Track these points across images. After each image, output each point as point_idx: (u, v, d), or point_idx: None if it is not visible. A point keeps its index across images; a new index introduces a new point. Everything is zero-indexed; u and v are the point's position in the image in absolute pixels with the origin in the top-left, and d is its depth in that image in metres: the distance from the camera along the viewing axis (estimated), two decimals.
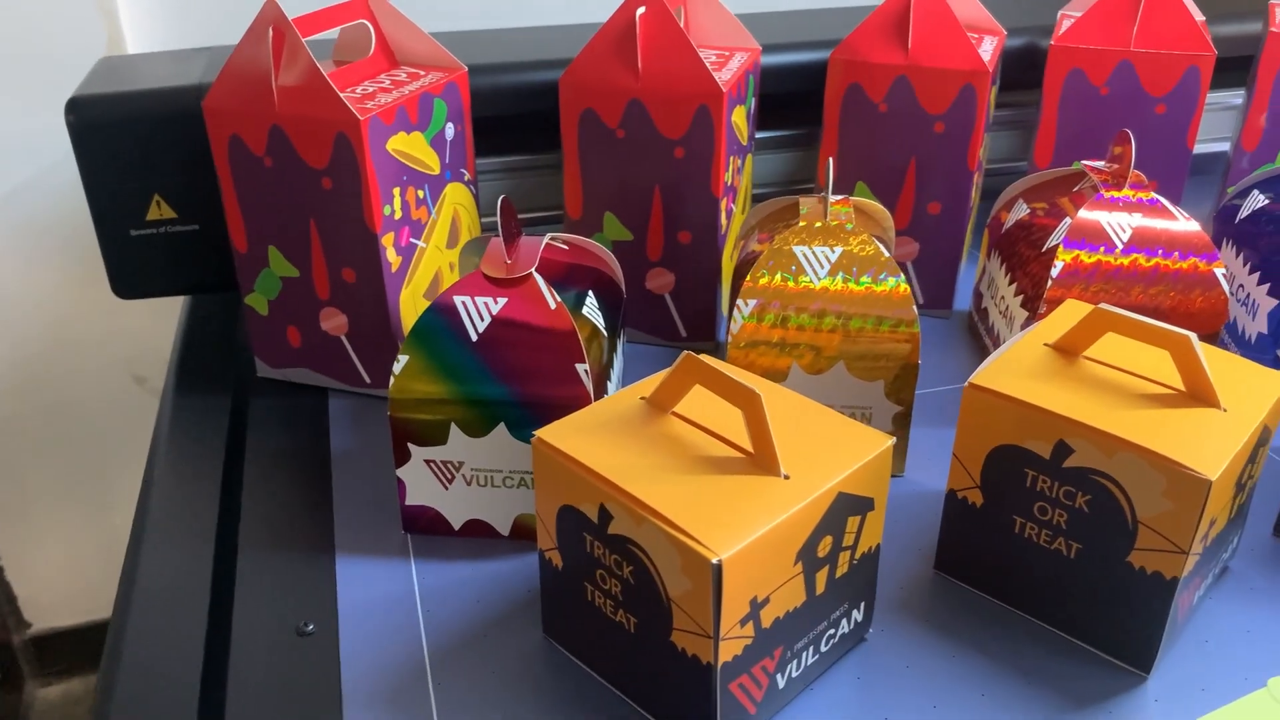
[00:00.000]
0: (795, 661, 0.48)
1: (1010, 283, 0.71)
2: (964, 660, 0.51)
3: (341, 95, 0.63)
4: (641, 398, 0.50)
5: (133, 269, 0.80)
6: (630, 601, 0.46)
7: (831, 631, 0.49)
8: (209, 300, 0.88)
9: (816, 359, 0.61)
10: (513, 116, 0.83)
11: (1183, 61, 0.79)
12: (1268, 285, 0.71)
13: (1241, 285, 0.75)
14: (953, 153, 0.77)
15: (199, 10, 1.12)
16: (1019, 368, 0.52)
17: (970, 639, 0.52)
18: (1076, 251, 0.65)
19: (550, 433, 0.47)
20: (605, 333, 0.61)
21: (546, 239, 0.62)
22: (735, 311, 0.61)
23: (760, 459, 0.45)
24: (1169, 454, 0.45)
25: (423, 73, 0.73)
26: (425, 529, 0.59)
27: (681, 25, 0.78)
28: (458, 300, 0.56)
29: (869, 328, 0.60)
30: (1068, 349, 0.53)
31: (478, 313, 0.56)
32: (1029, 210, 0.73)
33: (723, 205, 0.74)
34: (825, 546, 0.46)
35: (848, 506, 0.46)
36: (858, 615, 0.51)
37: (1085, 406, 0.48)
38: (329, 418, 0.71)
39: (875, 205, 0.71)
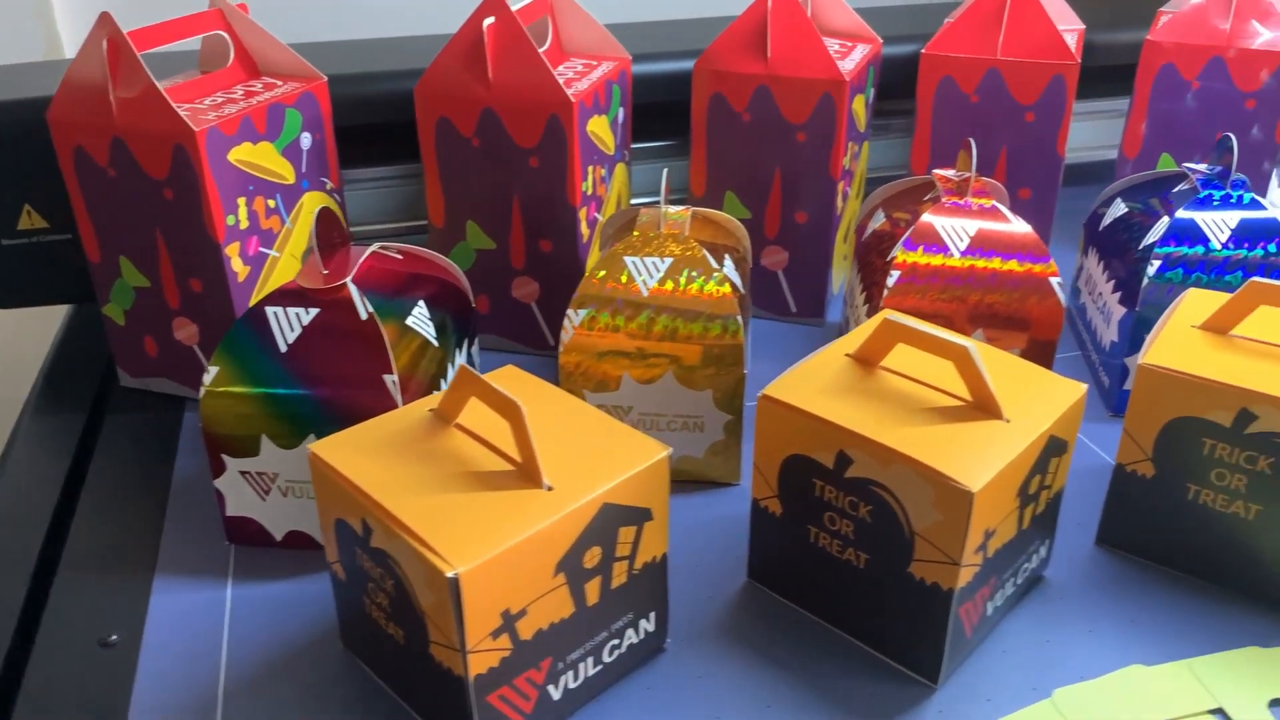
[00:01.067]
0: (571, 673, 0.48)
1: (862, 292, 0.71)
2: (760, 671, 0.51)
3: (177, 107, 0.63)
4: (430, 410, 0.50)
5: (5, 279, 0.80)
6: (396, 614, 0.46)
7: (615, 642, 0.49)
8: (88, 310, 0.88)
9: (646, 368, 0.62)
10: (382, 125, 0.84)
11: (1047, 70, 0.79)
12: (1119, 293, 0.71)
13: (1100, 293, 0.75)
14: (816, 162, 0.78)
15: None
16: (814, 378, 0.52)
17: (770, 651, 0.52)
18: (914, 257, 0.65)
19: (324, 446, 0.47)
20: (437, 343, 0.61)
21: (373, 248, 0.62)
22: (566, 321, 0.62)
23: (525, 470, 0.45)
24: (936, 465, 0.45)
25: (280, 83, 0.73)
26: (248, 540, 0.60)
27: (549, 35, 0.79)
28: (269, 311, 0.56)
29: (696, 333, 0.60)
30: (865, 359, 0.53)
31: (288, 323, 0.56)
32: (885, 219, 0.73)
33: (583, 214, 0.74)
34: (593, 557, 0.46)
35: (617, 517, 0.46)
36: (648, 625, 0.51)
37: (865, 418, 0.49)
38: (181, 429, 0.71)
39: (725, 216, 0.71)
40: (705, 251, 0.63)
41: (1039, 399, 0.50)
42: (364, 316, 0.56)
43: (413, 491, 0.44)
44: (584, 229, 0.75)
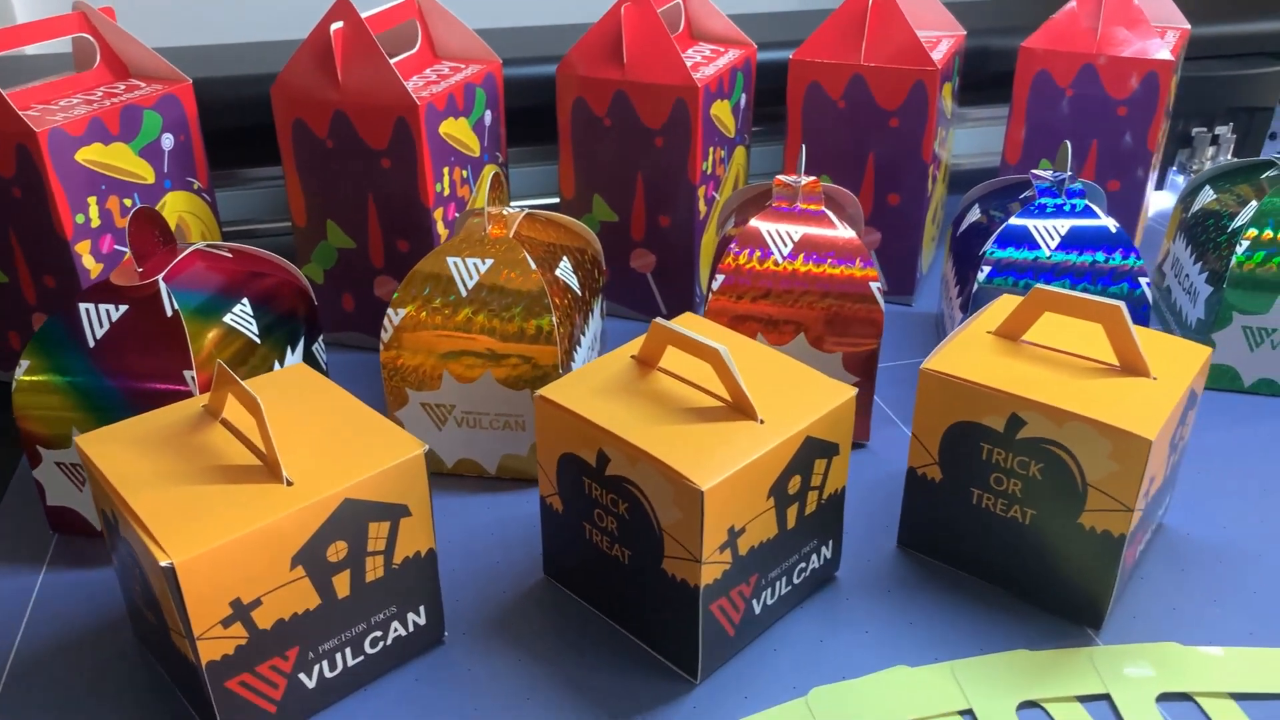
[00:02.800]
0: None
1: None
2: (530, 665, 0.52)
3: (17, 110, 0.65)
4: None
5: None
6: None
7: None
8: None
9: (465, 368, 0.63)
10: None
11: (909, 76, 0.80)
12: (961, 299, 0.72)
13: (952, 299, 0.75)
14: (676, 167, 0.79)
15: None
16: (592, 379, 0.53)
17: (547, 645, 0.53)
18: (739, 260, 0.66)
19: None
20: (260, 341, 0.62)
21: (194, 247, 0.63)
22: (386, 320, 0.63)
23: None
24: (672, 463, 0.46)
25: (144, 85, 0.75)
26: (71, 530, 0.61)
27: (419, 40, 0.81)
28: (82, 307, 0.58)
29: (513, 333, 0.61)
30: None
31: (98, 319, 0.58)
32: (733, 224, 0.74)
33: (438, 215, 0.76)
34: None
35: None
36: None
37: (624, 417, 0.50)
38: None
39: (569, 220, 0.72)
40: (526, 253, 0.64)
41: (802, 401, 0.51)
42: (169, 314, 0.57)
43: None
44: (441, 230, 0.76)
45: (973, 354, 0.55)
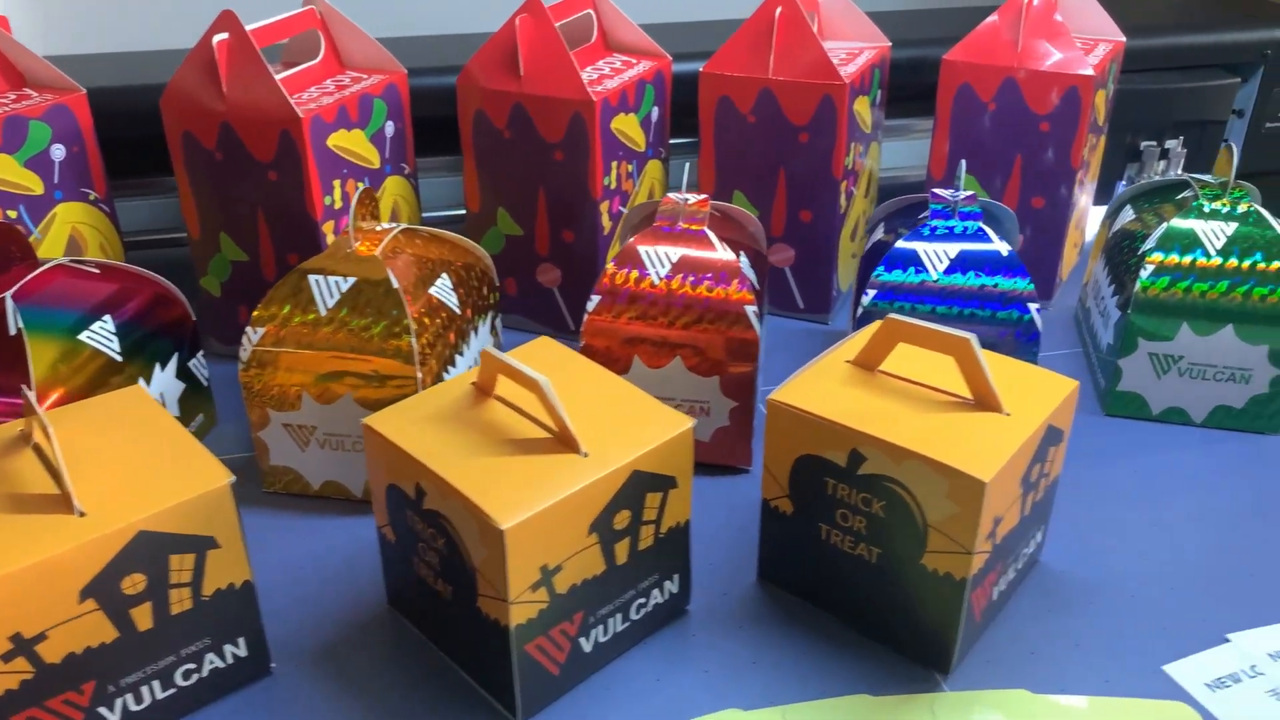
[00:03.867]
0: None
1: None
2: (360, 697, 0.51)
3: None
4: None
5: None
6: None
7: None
8: None
9: (325, 388, 0.61)
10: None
11: (817, 90, 0.78)
12: (856, 321, 0.69)
13: (853, 322, 0.73)
14: (574, 182, 0.77)
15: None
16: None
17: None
18: (615, 279, 0.64)
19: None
20: (122, 358, 0.61)
21: (57, 262, 0.62)
22: (245, 339, 0.62)
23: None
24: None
25: (35, 95, 0.74)
26: None
27: (323, 49, 0.79)
28: None
29: (373, 350, 0.60)
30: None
31: None
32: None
33: (328, 228, 0.75)
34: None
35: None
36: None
37: (442, 449, 0.48)
38: None
39: (456, 237, 0.70)
40: (389, 271, 0.62)
41: (634, 433, 0.50)
42: (13, 332, 0.56)
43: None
44: (328, 239, 0.75)
45: (825, 384, 0.53)
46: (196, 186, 0.75)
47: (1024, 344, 0.64)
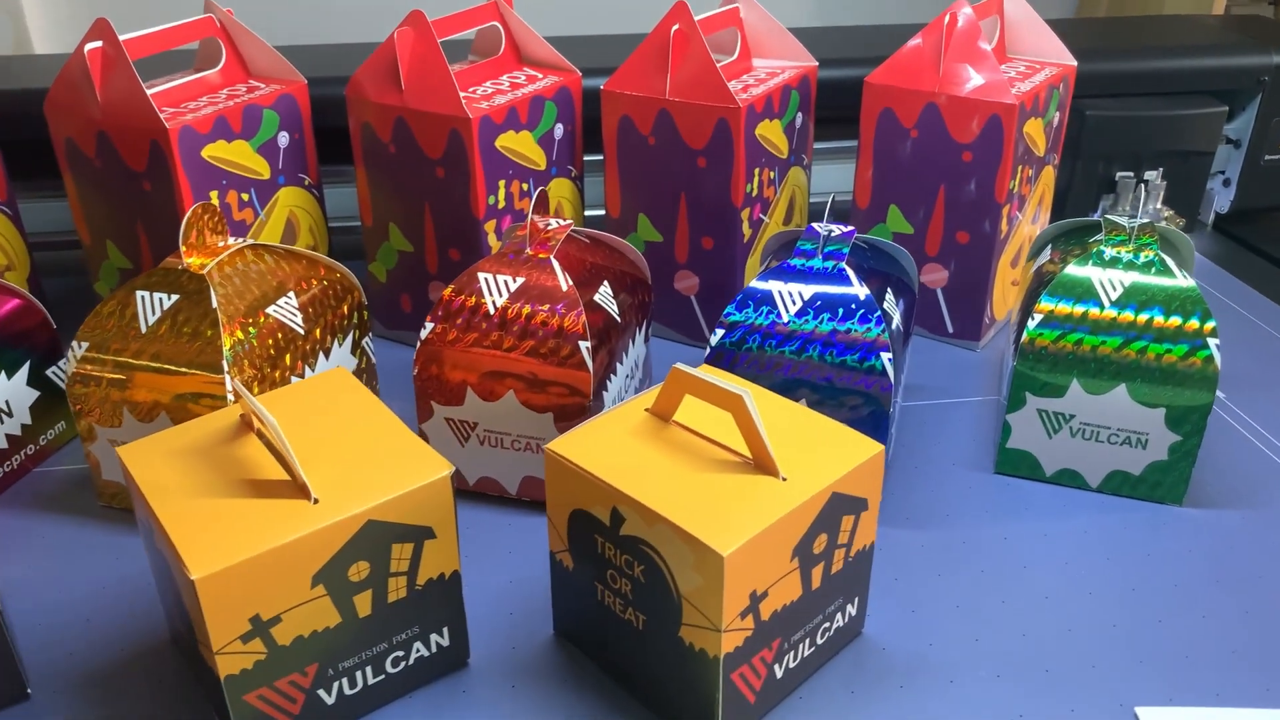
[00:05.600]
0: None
1: None
2: None
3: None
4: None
5: None
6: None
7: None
8: None
9: (140, 401, 0.60)
10: None
11: (711, 114, 0.74)
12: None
13: None
14: (456, 199, 0.75)
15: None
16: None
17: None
18: (452, 305, 0.62)
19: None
20: None
21: None
22: (70, 353, 0.61)
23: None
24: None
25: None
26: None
27: (223, 57, 0.79)
28: None
29: (184, 370, 0.59)
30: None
31: None
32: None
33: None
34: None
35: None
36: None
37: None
38: None
39: (309, 253, 0.69)
40: (212, 293, 0.61)
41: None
42: None
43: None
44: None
45: (609, 434, 0.50)
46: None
47: (877, 393, 0.59)
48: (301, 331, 0.65)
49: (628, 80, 0.76)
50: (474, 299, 0.62)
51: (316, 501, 0.45)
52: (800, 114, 0.82)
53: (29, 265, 0.81)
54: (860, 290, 0.61)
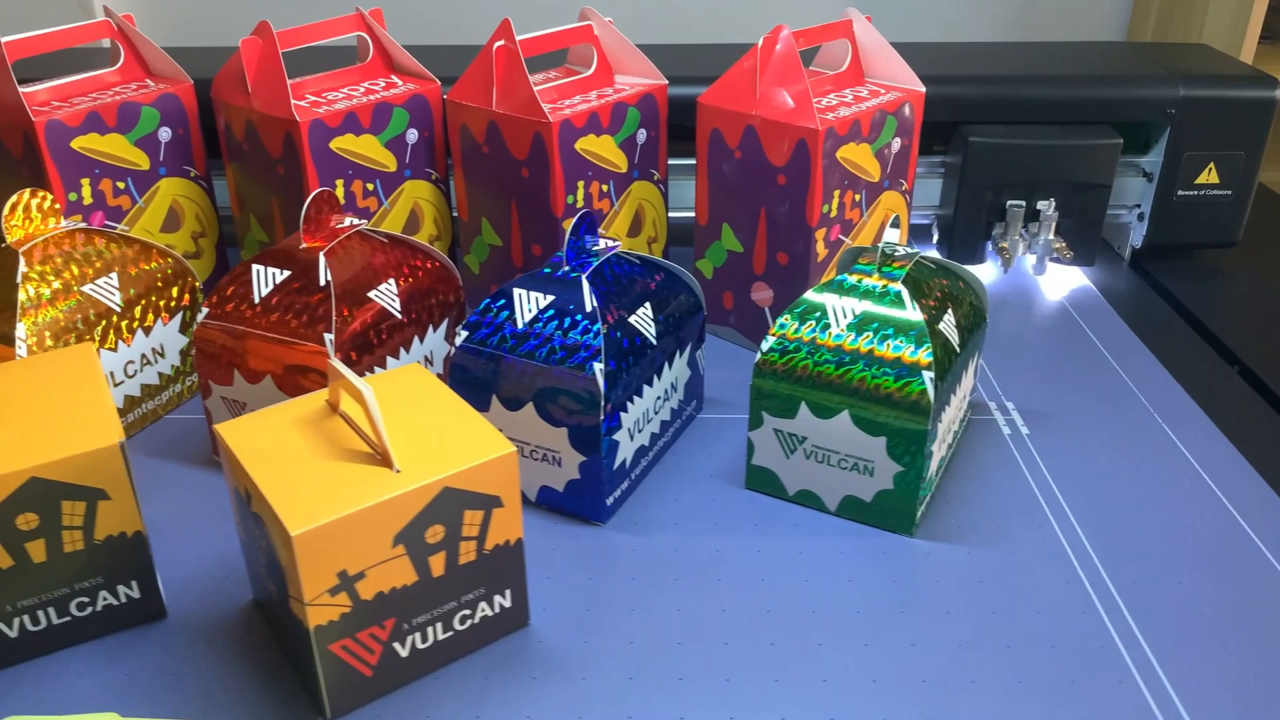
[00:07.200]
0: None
1: None
2: None
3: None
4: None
5: None
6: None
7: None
8: None
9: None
10: None
11: (527, 128, 0.77)
12: None
13: None
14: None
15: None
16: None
17: None
18: (225, 291, 0.67)
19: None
20: None
21: None
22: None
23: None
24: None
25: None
26: None
27: (122, 57, 0.87)
28: None
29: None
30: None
31: None
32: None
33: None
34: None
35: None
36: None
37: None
38: None
39: (146, 240, 0.76)
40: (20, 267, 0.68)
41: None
42: None
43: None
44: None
45: (278, 419, 0.54)
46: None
47: (582, 399, 0.62)
48: (118, 309, 0.72)
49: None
50: (244, 288, 0.67)
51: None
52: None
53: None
54: (589, 300, 0.63)
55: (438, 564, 0.52)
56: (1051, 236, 0.96)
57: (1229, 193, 0.97)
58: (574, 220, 0.65)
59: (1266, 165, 2.14)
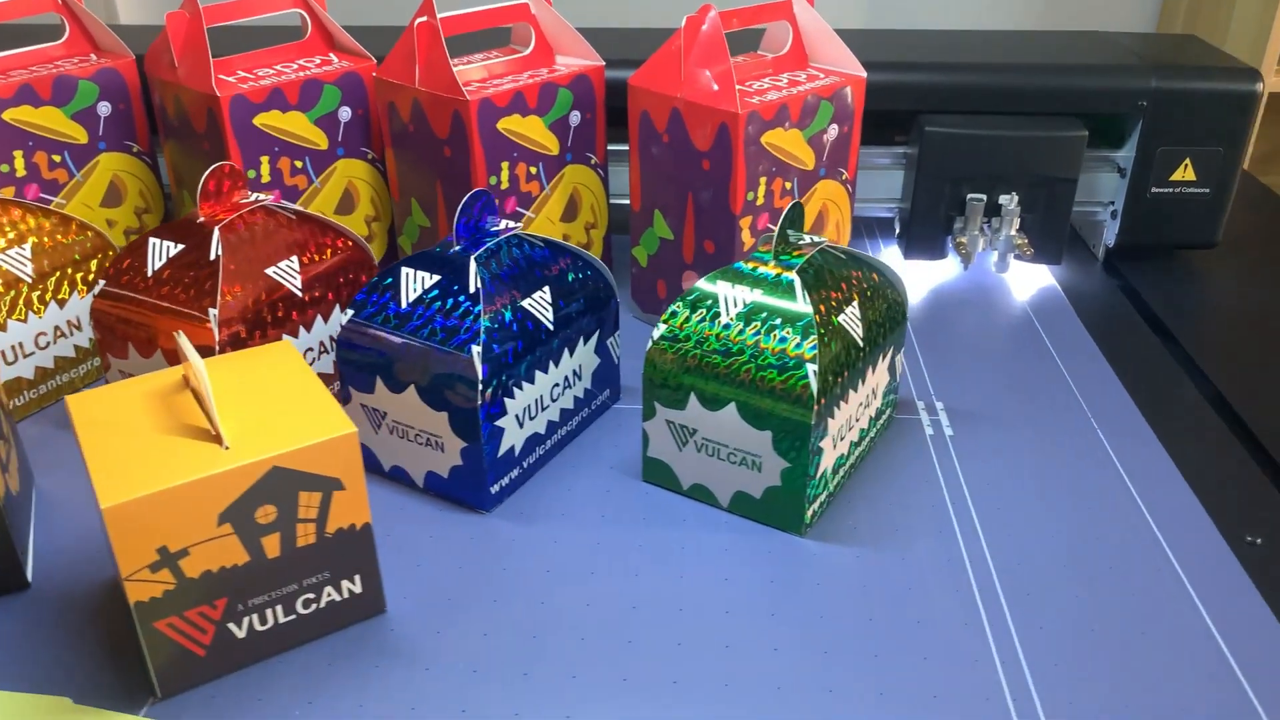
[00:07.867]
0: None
1: None
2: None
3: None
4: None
5: None
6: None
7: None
8: None
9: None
10: None
11: (447, 106, 0.75)
12: None
13: None
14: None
15: None
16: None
17: None
18: (121, 264, 0.67)
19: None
20: None
21: None
22: None
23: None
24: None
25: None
26: None
27: (66, 32, 0.87)
28: None
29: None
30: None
31: None
32: None
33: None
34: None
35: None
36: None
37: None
38: None
39: (66, 215, 0.76)
40: None
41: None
42: None
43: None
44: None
45: (130, 391, 0.54)
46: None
47: (462, 381, 0.60)
48: (28, 279, 0.72)
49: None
50: (140, 260, 0.67)
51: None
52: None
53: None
54: (475, 281, 0.62)
55: (272, 545, 0.51)
56: (1014, 232, 0.92)
57: (1206, 191, 0.92)
58: (465, 198, 0.64)
59: (1266, 166, 2.05)
